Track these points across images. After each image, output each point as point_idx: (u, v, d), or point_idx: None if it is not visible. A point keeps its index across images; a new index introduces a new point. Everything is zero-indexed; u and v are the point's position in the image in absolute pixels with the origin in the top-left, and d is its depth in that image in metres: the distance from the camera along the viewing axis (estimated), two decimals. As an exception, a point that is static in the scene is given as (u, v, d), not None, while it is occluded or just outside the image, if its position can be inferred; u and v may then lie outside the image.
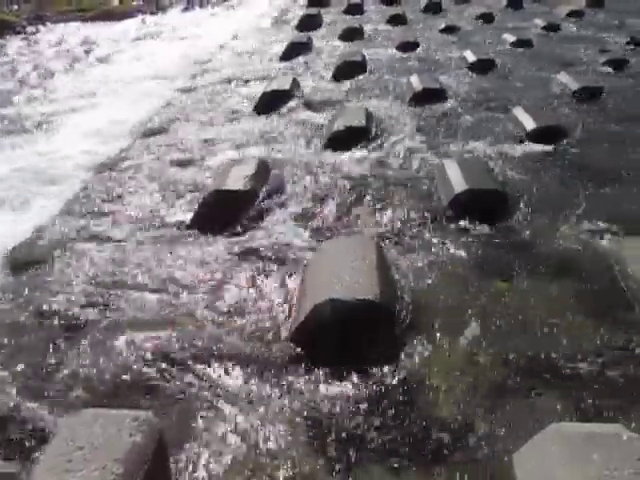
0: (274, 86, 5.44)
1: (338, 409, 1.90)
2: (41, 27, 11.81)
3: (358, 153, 3.93)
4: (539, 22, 8.21)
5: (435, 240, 2.86)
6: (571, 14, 8.82)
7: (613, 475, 1.41)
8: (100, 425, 1.56)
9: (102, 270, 2.76)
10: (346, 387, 1.97)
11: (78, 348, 2.24)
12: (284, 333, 2.24)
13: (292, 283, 2.55)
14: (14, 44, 10.35)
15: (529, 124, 4.19)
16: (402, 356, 2.09)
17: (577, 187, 3.38)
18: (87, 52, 9.22)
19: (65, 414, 1.87)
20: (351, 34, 8.00)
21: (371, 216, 3.15)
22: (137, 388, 2.03)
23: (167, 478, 1.65)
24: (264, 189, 3.38)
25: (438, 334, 2.20)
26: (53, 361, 2.18)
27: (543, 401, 1.90)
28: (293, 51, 7.16)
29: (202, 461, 1.72)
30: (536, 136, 4.04)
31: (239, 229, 3.06)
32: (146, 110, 5.65)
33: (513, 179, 3.48)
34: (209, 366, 2.10)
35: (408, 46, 7.13)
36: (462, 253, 2.74)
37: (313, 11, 9.74)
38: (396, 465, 1.70)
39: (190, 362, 2.12)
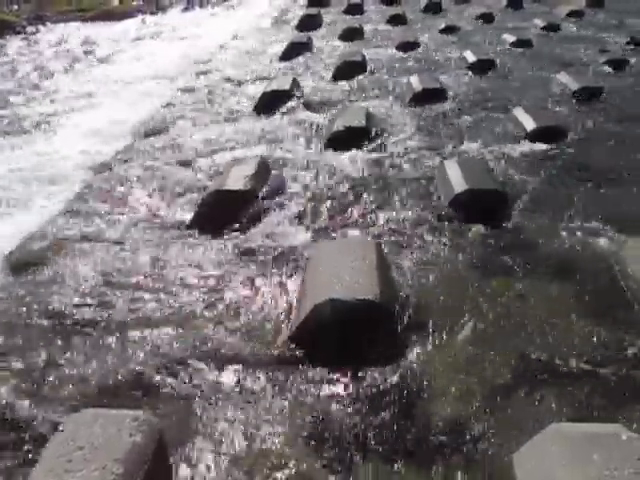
0: (274, 86, 5.45)
1: (338, 409, 1.90)
2: (41, 27, 11.81)
3: (358, 153, 3.93)
4: (539, 22, 8.21)
5: (435, 240, 2.86)
6: (571, 14, 8.82)
7: (613, 475, 1.41)
8: (100, 425, 1.56)
9: (102, 270, 2.76)
10: (346, 387, 1.97)
11: (78, 348, 2.24)
12: (284, 333, 2.24)
13: (292, 283, 2.55)
14: (14, 44, 10.35)
15: (529, 124, 4.19)
16: (402, 356, 2.09)
17: (577, 187, 3.38)
18: (87, 52, 9.22)
19: (65, 414, 1.87)
20: (351, 34, 8.00)
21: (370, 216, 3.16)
22: (137, 388, 2.03)
23: (167, 478, 1.65)
24: (264, 189, 3.38)
25: (438, 334, 2.20)
26: (53, 361, 2.18)
27: (543, 401, 1.90)
28: (293, 51, 7.16)
29: (202, 461, 1.72)
30: (536, 136, 4.04)
31: (239, 229, 3.06)
32: (146, 110, 5.65)
33: (513, 179, 3.48)
34: (209, 366, 2.10)
35: (408, 46, 7.13)
36: (462, 253, 2.74)
37: (313, 11, 9.74)
38: (396, 465, 1.70)
39: (190, 362, 2.12)
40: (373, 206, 3.24)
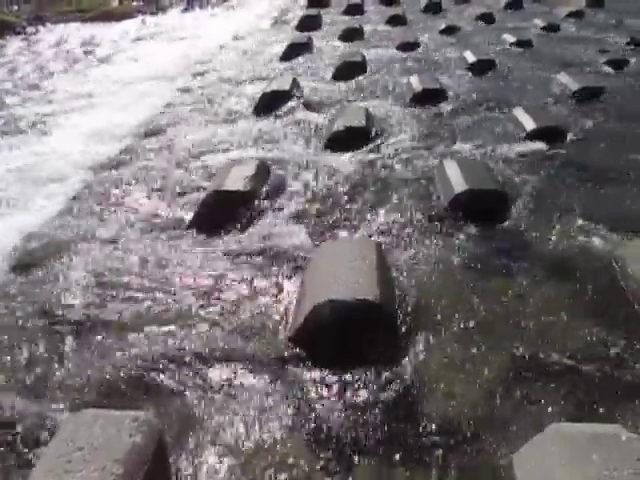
0: (274, 86, 5.44)
1: (338, 409, 1.90)
2: (41, 28, 11.81)
3: (358, 153, 3.93)
4: (539, 22, 8.21)
5: (435, 240, 2.86)
6: (571, 14, 8.81)
7: (613, 475, 1.41)
8: (100, 425, 1.56)
9: (102, 270, 2.76)
10: (346, 387, 1.97)
11: (78, 348, 2.24)
12: (284, 333, 2.24)
13: (292, 283, 2.55)
14: (14, 44, 10.35)
15: (529, 124, 4.19)
16: (401, 356, 2.09)
17: (577, 187, 3.38)
18: (87, 53, 9.21)
19: (65, 414, 1.87)
20: (351, 34, 8.00)
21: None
22: (137, 388, 2.03)
23: (167, 478, 1.65)
24: (264, 189, 3.38)
25: (437, 334, 2.20)
26: (52, 361, 2.18)
27: (543, 401, 1.90)
28: (293, 51, 7.16)
29: (202, 461, 1.72)
30: (536, 136, 4.04)
31: (239, 229, 3.06)
32: (146, 111, 5.65)
33: (513, 179, 3.48)
34: (209, 366, 2.11)
35: (408, 46, 7.13)
36: (462, 253, 2.74)
37: (313, 12, 9.74)
38: (395, 465, 1.70)
39: (190, 362, 2.12)
40: (373, 206, 3.24)
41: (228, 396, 1.98)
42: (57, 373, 2.12)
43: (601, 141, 4.08)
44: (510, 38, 7.29)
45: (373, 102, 5.07)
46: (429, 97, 4.98)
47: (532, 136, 4.06)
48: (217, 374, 2.07)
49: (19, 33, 11.31)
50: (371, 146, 4.05)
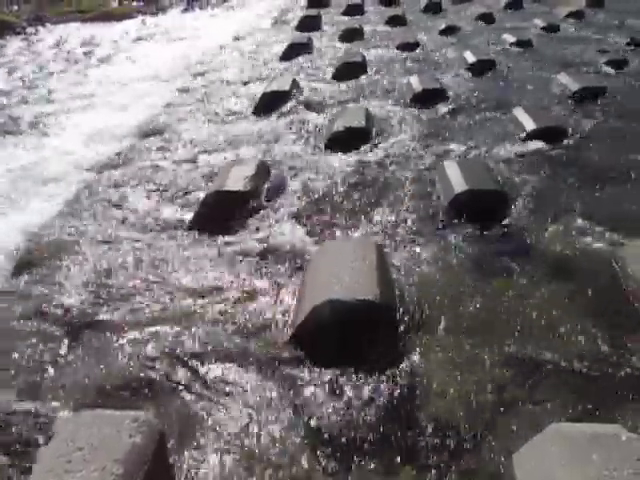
0: (274, 87, 5.45)
1: (338, 409, 1.90)
2: (41, 28, 11.81)
3: (358, 154, 3.93)
4: (539, 22, 8.20)
5: (435, 240, 2.86)
6: (571, 14, 8.80)
7: (613, 475, 1.41)
8: (100, 426, 1.56)
9: (102, 270, 2.76)
10: (346, 387, 1.97)
11: (77, 348, 2.24)
12: (284, 333, 2.24)
13: (292, 283, 2.55)
14: (14, 45, 10.35)
15: (529, 124, 4.19)
16: (401, 356, 2.09)
17: (577, 187, 3.38)
18: (87, 53, 9.21)
19: (65, 415, 1.87)
20: (351, 35, 8.00)
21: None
22: (137, 388, 2.03)
23: (167, 479, 1.65)
24: (264, 189, 3.38)
25: (438, 334, 2.20)
26: (52, 361, 2.18)
27: (543, 401, 1.90)
28: (293, 52, 7.16)
29: (202, 461, 1.72)
30: (536, 136, 4.04)
31: (239, 229, 3.06)
32: (146, 111, 5.65)
33: (513, 179, 3.48)
34: (209, 366, 2.11)
35: (408, 47, 7.13)
36: (462, 253, 2.74)
37: (313, 12, 9.74)
38: (395, 465, 1.70)
39: (190, 362, 2.12)
40: (373, 206, 3.24)
41: (228, 396, 1.98)
42: (57, 373, 2.12)
43: (601, 141, 4.07)
44: (510, 38, 7.29)
45: (373, 102, 5.07)
46: (429, 97, 4.97)
47: (532, 136, 4.05)
48: (217, 374, 2.07)
49: (19, 33, 11.30)
50: (371, 146, 4.05)
